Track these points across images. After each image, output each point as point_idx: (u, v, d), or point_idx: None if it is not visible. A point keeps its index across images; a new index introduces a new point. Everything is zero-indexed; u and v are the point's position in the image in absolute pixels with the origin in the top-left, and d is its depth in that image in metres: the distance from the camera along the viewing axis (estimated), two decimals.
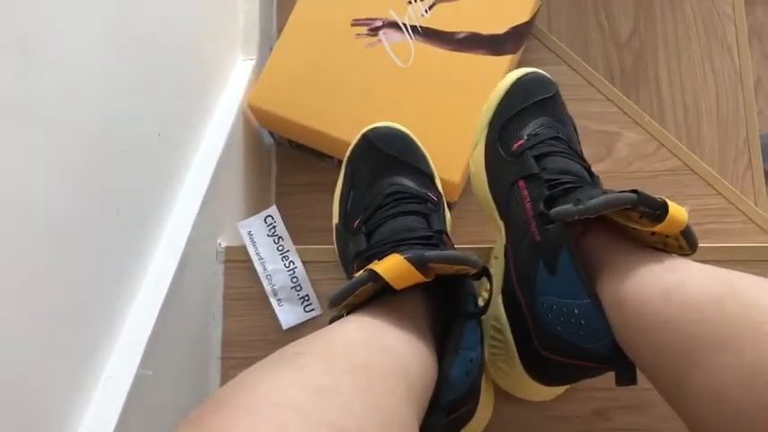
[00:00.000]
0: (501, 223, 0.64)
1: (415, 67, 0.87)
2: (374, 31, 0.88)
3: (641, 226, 0.52)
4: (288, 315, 0.73)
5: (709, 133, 1.10)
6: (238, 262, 0.75)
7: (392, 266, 0.51)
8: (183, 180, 0.73)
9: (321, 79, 0.88)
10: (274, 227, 0.75)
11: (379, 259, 0.53)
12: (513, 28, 0.88)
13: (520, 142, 0.63)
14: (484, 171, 0.66)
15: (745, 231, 0.93)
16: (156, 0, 0.67)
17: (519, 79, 0.67)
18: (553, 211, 0.55)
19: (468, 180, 0.88)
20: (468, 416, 0.58)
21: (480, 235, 0.90)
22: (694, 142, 1.09)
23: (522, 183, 0.61)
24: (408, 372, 0.45)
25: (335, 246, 0.68)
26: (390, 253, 0.54)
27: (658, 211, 0.50)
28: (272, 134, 0.97)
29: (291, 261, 0.74)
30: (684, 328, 0.44)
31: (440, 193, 0.68)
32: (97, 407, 0.54)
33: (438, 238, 0.60)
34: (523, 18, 0.89)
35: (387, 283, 0.51)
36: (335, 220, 0.68)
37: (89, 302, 0.55)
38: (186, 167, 0.74)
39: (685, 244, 0.53)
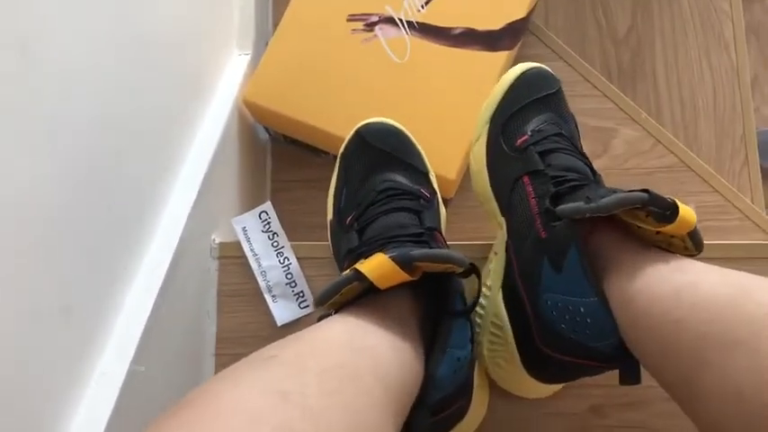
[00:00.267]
0: (502, 219, 0.63)
1: (412, 63, 0.87)
2: (370, 27, 0.88)
3: (648, 225, 0.52)
4: (282, 311, 0.73)
5: (705, 130, 1.10)
6: (233, 258, 0.75)
7: (376, 266, 0.50)
8: (178, 175, 0.73)
9: (317, 75, 0.87)
10: (269, 223, 0.74)
11: (368, 257, 0.53)
12: (510, 24, 0.88)
13: (524, 138, 0.63)
14: (485, 166, 0.66)
15: (741, 229, 0.93)
16: None
17: (523, 74, 0.66)
18: (561, 207, 0.54)
19: (464, 176, 0.88)
20: (461, 413, 0.58)
21: (477, 231, 0.89)
22: (691, 139, 1.09)
23: (526, 179, 0.60)
24: (388, 372, 0.45)
25: (330, 242, 0.68)
26: (380, 250, 0.54)
27: (668, 211, 0.50)
28: (267, 130, 0.97)
29: (286, 257, 0.74)
30: (696, 328, 0.44)
31: (434, 189, 0.67)
32: (90, 403, 0.54)
33: (429, 235, 0.59)
34: (520, 14, 0.89)
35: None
36: (330, 216, 0.68)
37: (81, 298, 0.55)
38: (180, 162, 0.74)
39: (691, 245, 0.52)
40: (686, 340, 0.44)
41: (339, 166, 0.68)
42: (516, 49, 0.90)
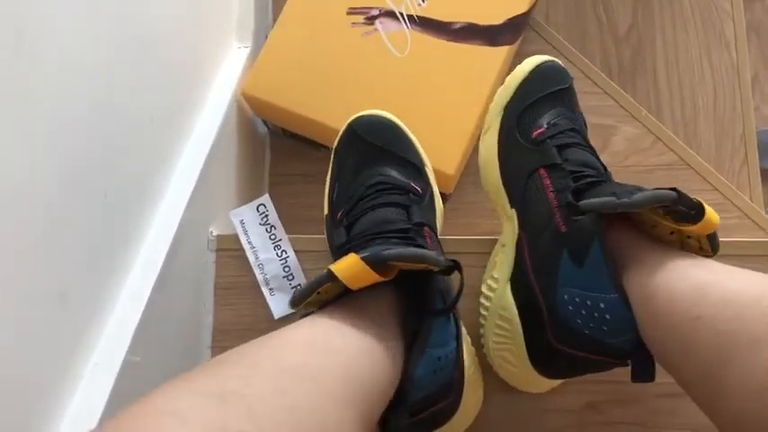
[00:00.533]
0: (512, 211, 0.63)
1: (412, 57, 0.86)
2: (371, 20, 0.88)
3: (666, 223, 0.52)
4: (279, 305, 0.72)
5: (705, 128, 1.09)
6: (230, 251, 0.74)
7: (348, 266, 0.50)
8: (175, 167, 0.72)
9: (316, 68, 0.87)
10: (267, 216, 0.74)
11: (357, 251, 0.52)
12: (511, 19, 0.88)
13: (540, 130, 0.62)
14: (496, 156, 0.65)
15: (740, 227, 0.93)
16: None
17: (538, 66, 0.66)
18: (589, 202, 0.54)
19: (463, 172, 0.88)
20: (449, 411, 0.57)
21: (476, 227, 0.89)
22: (691, 137, 1.09)
23: (543, 171, 0.60)
24: (355, 373, 0.45)
25: (326, 237, 0.68)
26: (365, 247, 0.54)
27: (693, 211, 0.50)
28: (265, 123, 0.96)
29: (284, 250, 0.73)
30: (719, 325, 0.44)
31: (427, 182, 0.66)
32: (84, 392, 0.54)
33: (416, 231, 0.59)
34: (521, 9, 0.88)
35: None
36: (325, 211, 0.67)
37: (77, 288, 0.55)
38: (178, 154, 0.73)
39: (708, 246, 0.53)
40: (708, 338, 0.45)
41: (332, 161, 0.68)
42: (517, 44, 0.90)
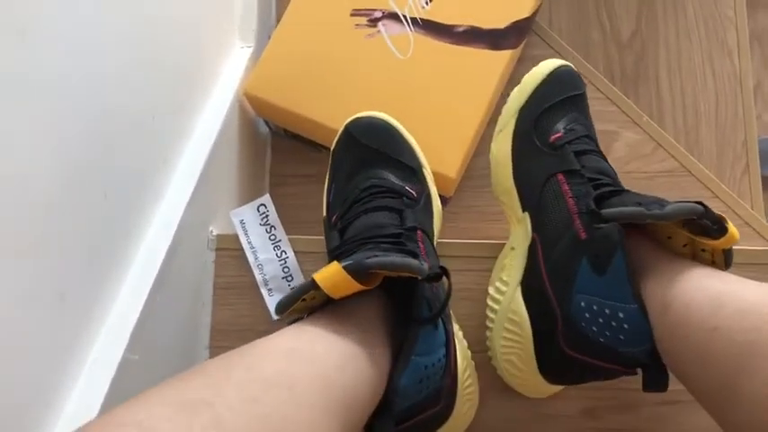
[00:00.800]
0: (523, 214, 0.63)
1: (414, 60, 0.86)
2: (374, 22, 0.88)
3: (696, 237, 0.52)
4: None
5: (707, 136, 1.09)
6: (230, 250, 0.74)
7: (329, 275, 0.50)
8: (176, 166, 0.72)
9: (319, 69, 0.87)
10: (267, 216, 0.74)
11: (344, 258, 0.52)
12: (514, 23, 0.88)
13: (558, 135, 0.62)
14: (510, 157, 0.65)
15: (741, 235, 0.91)
16: None
17: (555, 70, 0.66)
18: (617, 211, 0.54)
19: (464, 176, 0.88)
20: (440, 418, 0.57)
21: (475, 231, 0.89)
22: (692, 144, 1.09)
23: (561, 177, 0.60)
24: (337, 380, 0.45)
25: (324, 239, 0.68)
26: (357, 251, 0.54)
27: (716, 225, 0.51)
28: (267, 123, 0.96)
29: (283, 251, 0.73)
30: (736, 336, 0.45)
31: (423, 185, 0.66)
32: (82, 390, 0.54)
33: (408, 235, 0.58)
34: (525, 13, 0.88)
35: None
36: (324, 213, 0.67)
37: (76, 286, 0.55)
38: (179, 153, 0.73)
39: (722, 261, 0.53)
40: (725, 348, 0.45)
41: (330, 163, 0.68)
42: (520, 48, 0.90)
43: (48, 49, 0.48)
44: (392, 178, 0.64)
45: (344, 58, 0.87)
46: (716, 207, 0.92)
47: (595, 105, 0.95)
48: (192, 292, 0.72)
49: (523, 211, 0.63)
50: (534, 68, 0.67)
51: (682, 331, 0.49)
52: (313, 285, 0.50)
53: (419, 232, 0.60)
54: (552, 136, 0.63)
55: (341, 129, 0.67)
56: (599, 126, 0.95)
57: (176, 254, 0.66)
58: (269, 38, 0.91)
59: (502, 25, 0.87)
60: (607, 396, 0.68)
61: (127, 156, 0.62)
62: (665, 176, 0.94)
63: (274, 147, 1.00)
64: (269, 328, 0.72)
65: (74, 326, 0.55)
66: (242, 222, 0.74)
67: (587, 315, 0.54)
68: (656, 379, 0.52)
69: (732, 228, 0.51)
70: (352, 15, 0.88)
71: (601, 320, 0.53)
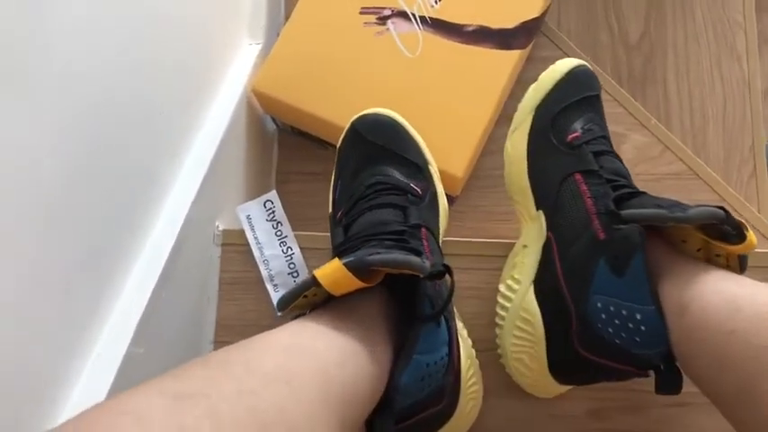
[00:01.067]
0: (537, 212, 0.63)
1: (423, 58, 0.86)
2: (383, 20, 0.88)
3: (715, 242, 0.52)
4: None
5: (714, 139, 1.09)
6: (236, 246, 0.74)
7: (330, 272, 0.50)
8: (184, 161, 0.72)
9: (327, 67, 0.87)
10: (273, 212, 0.74)
11: (346, 254, 0.52)
12: (523, 23, 0.87)
13: (575, 134, 0.62)
14: (525, 155, 0.65)
15: None
16: None
17: (573, 69, 0.66)
18: (635, 212, 0.54)
19: (471, 174, 0.88)
20: (443, 416, 0.57)
21: (482, 230, 0.89)
22: (699, 147, 1.09)
23: (579, 176, 0.60)
24: (334, 377, 0.44)
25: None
26: (360, 247, 0.54)
27: (735, 230, 0.51)
28: (274, 120, 0.96)
29: (289, 247, 0.73)
30: (754, 339, 0.45)
31: (429, 183, 0.66)
32: (87, 383, 0.54)
33: (412, 233, 0.58)
34: (534, 14, 0.88)
35: None
36: (330, 209, 0.67)
37: (82, 279, 0.55)
38: (187, 148, 0.73)
39: (736, 265, 0.53)
40: (742, 351, 0.45)
41: (336, 160, 0.68)
42: (529, 48, 0.90)
43: (57, 45, 0.48)
44: (397, 175, 0.64)
45: (353, 55, 0.87)
46: None
47: (603, 107, 0.95)
48: (198, 287, 0.72)
49: (537, 209, 0.63)
50: (551, 67, 0.66)
51: (698, 334, 0.49)
52: (314, 282, 0.50)
53: (423, 230, 0.60)
54: (570, 135, 0.63)
55: (347, 125, 0.67)
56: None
57: (182, 249, 0.66)
58: (277, 35, 0.91)
59: (511, 25, 0.87)
60: (614, 397, 0.68)
61: (134, 151, 0.62)
62: (673, 179, 0.94)
63: (281, 144, 1.00)
64: (274, 323, 0.70)
65: (79, 319, 0.55)
66: (248, 218, 0.74)
67: (603, 316, 0.54)
68: (669, 381, 0.52)
69: (751, 234, 0.51)
70: (360, 13, 0.88)
71: (617, 321, 0.53)
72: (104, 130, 0.56)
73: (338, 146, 0.68)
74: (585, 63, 0.67)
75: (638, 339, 0.52)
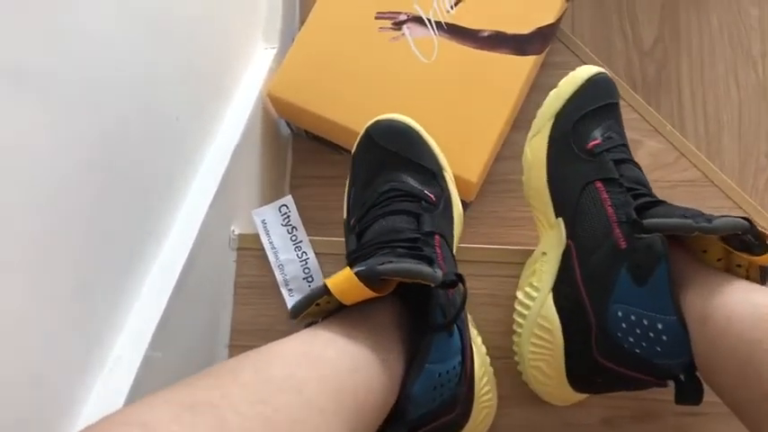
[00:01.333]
0: (556, 219, 0.63)
1: (438, 64, 0.86)
2: (398, 26, 0.88)
3: (739, 252, 0.52)
4: None
5: (729, 146, 1.09)
6: (251, 250, 0.74)
7: (341, 281, 0.50)
8: (200, 165, 0.73)
9: (342, 71, 0.87)
10: (288, 216, 0.74)
11: (358, 262, 0.52)
12: (539, 29, 0.87)
13: (596, 142, 0.62)
14: (545, 161, 0.65)
15: None
16: None
17: (593, 77, 0.66)
18: (659, 222, 0.54)
19: (485, 180, 0.88)
20: (458, 423, 0.57)
21: (496, 236, 0.89)
22: (714, 154, 1.08)
23: (599, 184, 0.60)
24: (347, 385, 0.44)
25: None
26: (373, 255, 0.54)
27: (758, 241, 0.51)
28: (289, 125, 0.96)
29: (304, 252, 0.73)
30: None
31: (443, 189, 0.66)
32: (105, 387, 0.54)
33: (425, 240, 0.58)
34: (549, 19, 0.88)
35: None
36: (344, 216, 0.67)
37: (99, 283, 0.55)
38: (203, 152, 0.74)
39: (757, 276, 0.53)
40: None
41: (350, 166, 0.68)
42: (544, 54, 0.90)
43: (74, 50, 0.49)
44: (411, 182, 0.64)
45: (368, 60, 0.87)
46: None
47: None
48: (214, 291, 0.72)
49: (557, 216, 0.63)
50: (571, 73, 0.66)
51: (723, 343, 0.48)
52: (326, 290, 0.50)
53: (437, 237, 0.60)
54: (590, 143, 0.63)
55: (362, 132, 0.67)
56: None
57: (199, 253, 0.66)
58: (292, 39, 0.91)
59: (526, 30, 0.87)
60: (628, 405, 0.68)
61: (151, 156, 0.62)
62: (687, 186, 0.93)
63: (295, 148, 1.00)
64: (289, 328, 0.71)
65: (97, 323, 0.55)
66: (263, 222, 0.74)
67: (624, 325, 0.54)
68: (690, 392, 0.52)
69: None
70: (376, 18, 0.88)
71: (638, 331, 0.53)
72: (121, 136, 0.56)
73: (353, 152, 0.68)
74: (604, 71, 0.67)
75: (659, 349, 0.52)
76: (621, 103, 0.94)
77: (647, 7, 1.15)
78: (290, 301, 0.72)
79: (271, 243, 0.74)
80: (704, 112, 1.11)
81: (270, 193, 0.90)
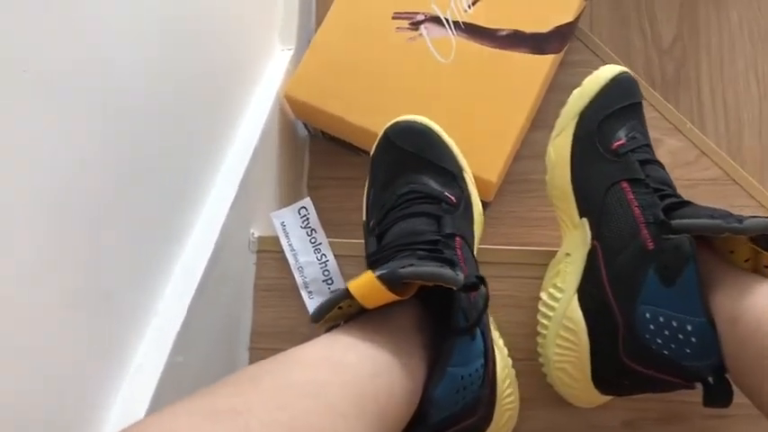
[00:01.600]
0: (581, 220, 0.62)
1: (456, 64, 0.86)
2: (415, 26, 0.87)
3: (759, 250, 0.52)
4: None
5: (750, 143, 1.07)
6: (271, 252, 0.74)
7: (363, 285, 0.49)
8: (219, 168, 0.73)
9: (359, 72, 0.87)
10: (307, 219, 0.74)
11: (380, 264, 0.52)
12: (557, 27, 0.87)
13: (620, 142, 0.62)
14: (569, 160, 0.64)
15: None
16: None
17: (617, 76, 0.65)
18: (688, 223, 0.53)
19: (504, 179, 0.87)
20: (481, 426, 0.56)
21: (516, 236, 0.89)
22: (735, 152, 1.07)
23: (625, 185, 0.59)
24: (369, 390, 0.44)
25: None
26: (393, 257, 0.54)
27: None
28: (306, 126, 0.96)
29: (324, 254, 0.73)
30: None
31: (463, 190, 0.65)
32: (128, 392, 0.54)
33: (446, 242, 0.58)
34: (568, 18, 0.87)
35: None
36: (364, 217, 0.67)
37: (121, 288, 0.55)
38: (222, 155, 0.74)
39: None
40: None
41: (369, 168, 0.67)
42: (563, 53, 0.89)
43: (92, 51, 0.49)
44: (431, 183, 0.63)
45: (385, 61, 0.87)
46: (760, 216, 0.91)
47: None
48: (234, 293, 0.72)
49: (581, 216, 0.62)
50: (595, 72, 0.66)
51: (753, 344, 0.48)
52: (347, 294, 0.50)
53: (458, 239, 0.59)
54: (615, 143, 0.62)
55: (380, 133, 0.67)
56: None
57: (219, 256, 0.66)
58: (309, 40, 0.91)
59: (545, 29, 0.86)
60: (653, 407, 0.67)
61: (171, 160, 0.62)
62: (709, 185, 0.92)
63: (312, 150, 1.00)
64: (310, 330, 0.71)
65: (120, 326, 0.55)
66: (283, 225, 0.74)
67: (652, 327, 0.53)
68: (719, 394, 0.51)
69: None
70: (393, 18, 0.88)
71: (667, 333, 0.52)
72: (140, 139, 0.57)
73: (371, 154, 0.67)
74: (627, 70, 0.67)
75: (688, 351, 0.52)
76: None
77: (665, 5, 1.14)
78: (310, 304, 0.72)
79: (290, 245, 0.73)
80: (724, 109, 1.09)
81: (287, 195, 0.90)
